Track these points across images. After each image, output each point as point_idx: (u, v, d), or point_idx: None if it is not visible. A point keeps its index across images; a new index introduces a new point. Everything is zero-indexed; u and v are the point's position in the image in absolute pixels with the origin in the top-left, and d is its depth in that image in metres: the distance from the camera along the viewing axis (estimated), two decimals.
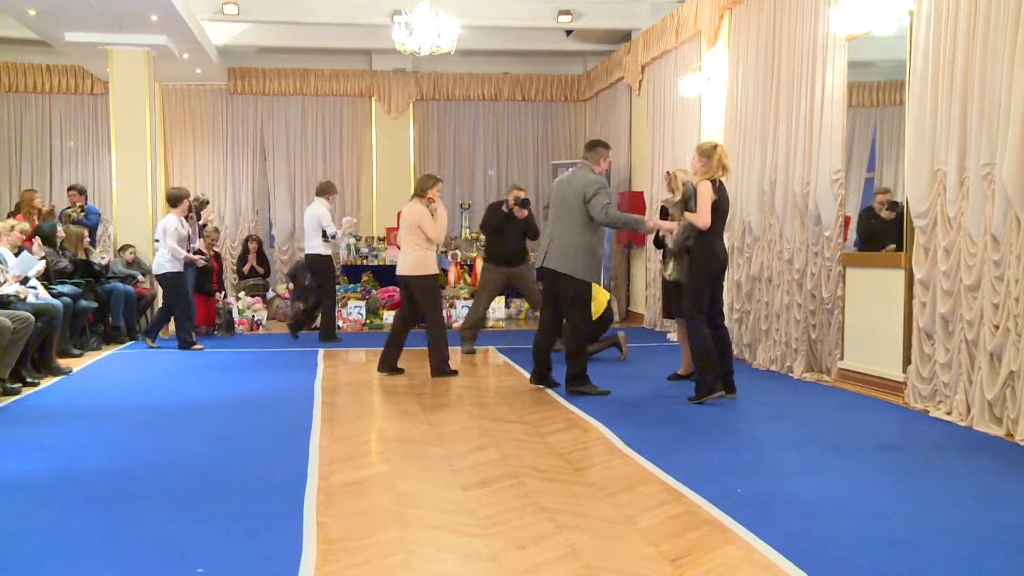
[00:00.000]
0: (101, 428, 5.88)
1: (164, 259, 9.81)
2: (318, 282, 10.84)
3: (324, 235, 10.60)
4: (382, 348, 8.22)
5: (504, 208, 9.33)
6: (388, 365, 8.10)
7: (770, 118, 8.31)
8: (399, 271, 8.07)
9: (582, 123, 15.61)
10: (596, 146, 7.08)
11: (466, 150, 15.40)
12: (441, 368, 7.91)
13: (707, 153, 6.61)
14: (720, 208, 6.59)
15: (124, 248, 11.31)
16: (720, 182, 6.63)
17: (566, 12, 12.56)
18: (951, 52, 5.97)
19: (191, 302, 10.19)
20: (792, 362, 7.93)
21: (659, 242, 7.52)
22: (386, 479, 4.57)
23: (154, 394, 7.19)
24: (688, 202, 6.72)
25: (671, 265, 7.25)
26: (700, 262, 6.64)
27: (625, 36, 13.27)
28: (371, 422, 6.10)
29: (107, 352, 9.67)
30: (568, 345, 7.11)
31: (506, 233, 9.39)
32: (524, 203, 9.28)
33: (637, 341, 10.10)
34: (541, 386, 7.28)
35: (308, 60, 14.83)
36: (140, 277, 11.27)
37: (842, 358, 7.40)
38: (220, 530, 3.76)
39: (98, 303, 10.07)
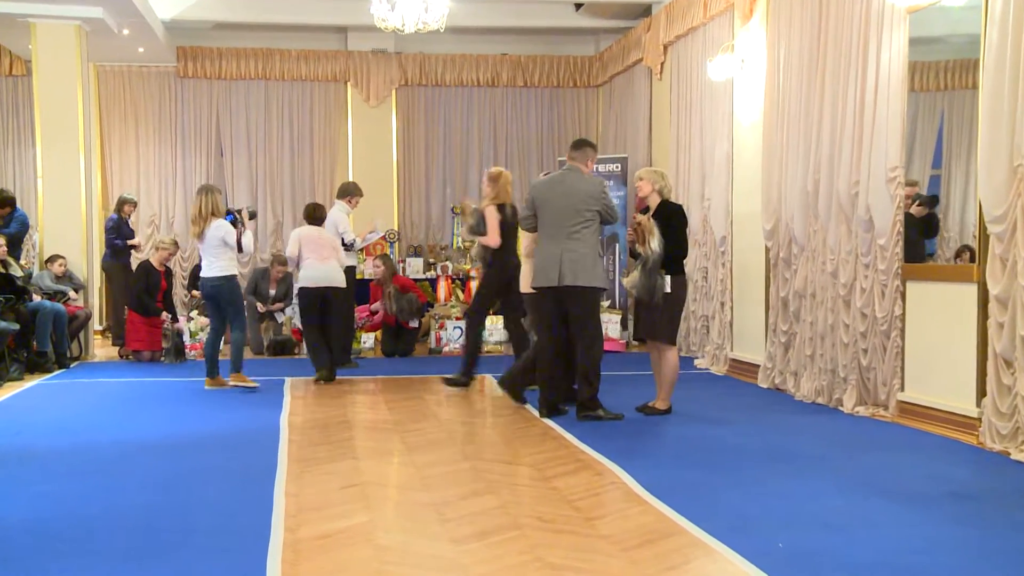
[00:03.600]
0: (21, 472, 5.84)
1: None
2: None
3: (344, 243, 10.67)
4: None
5: None
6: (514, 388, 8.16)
7: (815, 105, 8.32)
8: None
9: (594, 112, 15.65)
10: (585, 145, 7.71)
11: (458, 144, 15.44)
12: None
13: (492, 178, 8.95)
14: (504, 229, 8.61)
15: (52, 259, 11.31)
16: (507, 205, 8.76)
17: None
18: None
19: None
20: (842, 393, 7.92)
21: (633, 251, 7.66)
22: (364, 531, 4.55)
23: (86, 432, 7.15)
24: (479, 225, 8.74)
25: (633, 275, 7.47)
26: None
27: (644, 11, 13.32)
28: (347, 464, 6.08)
29: (31, 383, 9.64)
30: (580, 366, 7.38)
31: None
32: None
33: None
34: (551, 418, 7.39)
35: (272, 38, 14.87)
36: (72, 294, 11.26)
37: (902, 389, 7.38)
38: None
39: (20, 324, 10.04)
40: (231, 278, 9.05)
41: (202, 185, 9.67)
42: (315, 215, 10.14)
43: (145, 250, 13.76)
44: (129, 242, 12.61)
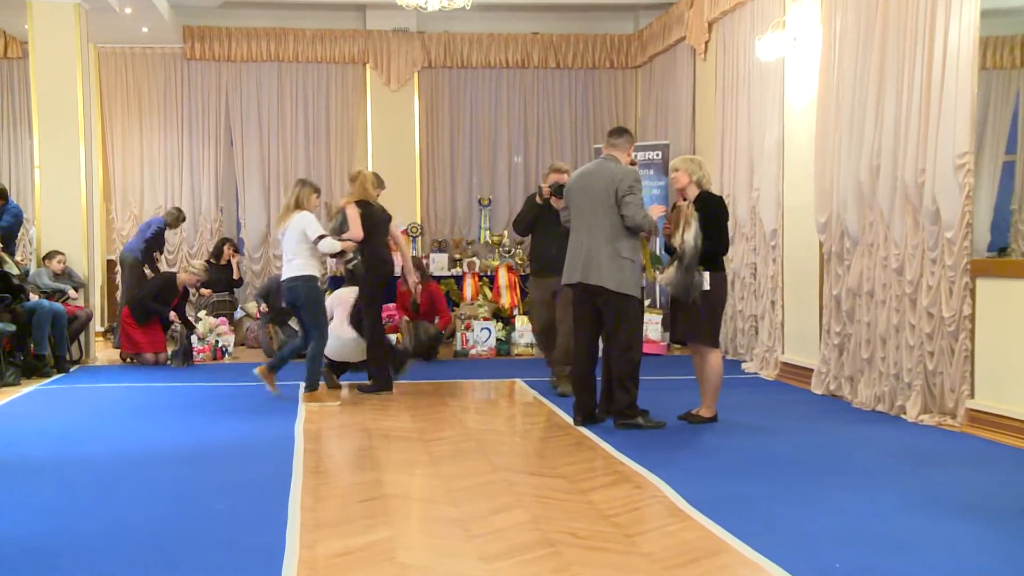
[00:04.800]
0: (16, 486, 5.88)
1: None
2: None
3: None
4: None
5: (538, 198, 9.12)
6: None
7: (875, 86, 8.24)
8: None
9: (632, 95, 15.61)
10: (625, 133, 7.68)
11: (485, 131, 15.43)
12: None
13: (351, 179, 9.37)
14: (367, 224, 8.92)
15: (51, 256, 11.40)
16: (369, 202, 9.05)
17: None
18: None
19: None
20: (905, 400, 7.85)
21: (668, 245, 7.66)
22: (386, 548, 4.56)
23: (87, 442, 7.21)
24: (342, 224, 9.08)
25: (669, 271, 7.43)
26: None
27: None
28: (367, 476, 6.10)
29: (28, 388, 9.73)
30: (617, 371, 7.39)
31: (546, 232, 8.95)
32: (560, 191, 8.47)
33: None
34: (587, 426, 7.41)
35: (286, 17, 14.95)
36: (72, 293, 11.34)
37: (972, 396, 7.32)
38: None
39: (16, 325, 10.12)
40: (308, 279, 8.80)
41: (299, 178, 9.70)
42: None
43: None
44: (157, 255, 13.05)
